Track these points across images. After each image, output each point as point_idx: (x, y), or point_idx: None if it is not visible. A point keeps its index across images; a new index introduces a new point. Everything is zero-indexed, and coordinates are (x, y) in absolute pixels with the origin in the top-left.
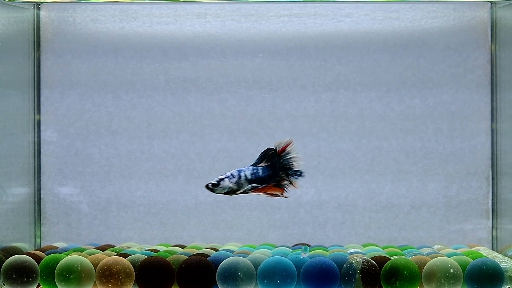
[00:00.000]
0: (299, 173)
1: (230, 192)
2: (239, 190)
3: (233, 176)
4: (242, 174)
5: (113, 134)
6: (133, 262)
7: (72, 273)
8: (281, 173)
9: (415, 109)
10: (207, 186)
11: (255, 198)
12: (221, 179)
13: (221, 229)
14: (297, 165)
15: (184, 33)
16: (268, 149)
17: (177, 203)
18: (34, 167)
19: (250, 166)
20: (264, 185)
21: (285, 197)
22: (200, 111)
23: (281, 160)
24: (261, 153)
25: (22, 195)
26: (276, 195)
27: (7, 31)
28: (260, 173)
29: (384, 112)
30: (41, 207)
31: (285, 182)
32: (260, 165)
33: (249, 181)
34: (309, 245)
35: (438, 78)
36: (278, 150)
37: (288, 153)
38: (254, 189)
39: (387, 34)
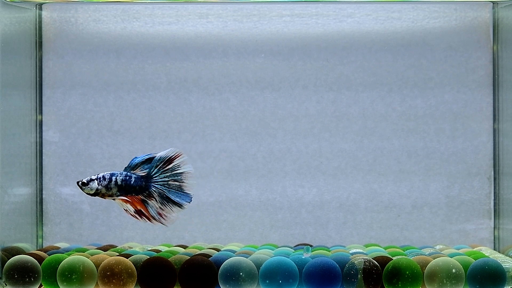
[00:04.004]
0: (186, 199)
1: (99, 194)
2: (108, 193)
3: (104, 179)
4: (114, 178)
5: (115, 134)
6: (135, 263)
7: (74, 273)
8: (153, 189)
9: (417, 109)
10: (77, 183)
11: (257, 198)
12: (91, 180)
13: (223, 229)
14: (186, 185)
15: (186, 33)
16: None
17: None
18: (36, 167)
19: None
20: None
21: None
22: (202, 111)
23: (164, 174)
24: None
25: (24, 195)
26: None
27: (9, 32)
28: (132, 182)
29: (386, 112)
30: (43, 207)
31: (154, 203)
32: (137, 172)
33: (119, 187)
34: (311, 245)
35: (440, 78)
36: (166, 160)
37: (177, 169)
38: (120, 198)
39: (389, 34)
